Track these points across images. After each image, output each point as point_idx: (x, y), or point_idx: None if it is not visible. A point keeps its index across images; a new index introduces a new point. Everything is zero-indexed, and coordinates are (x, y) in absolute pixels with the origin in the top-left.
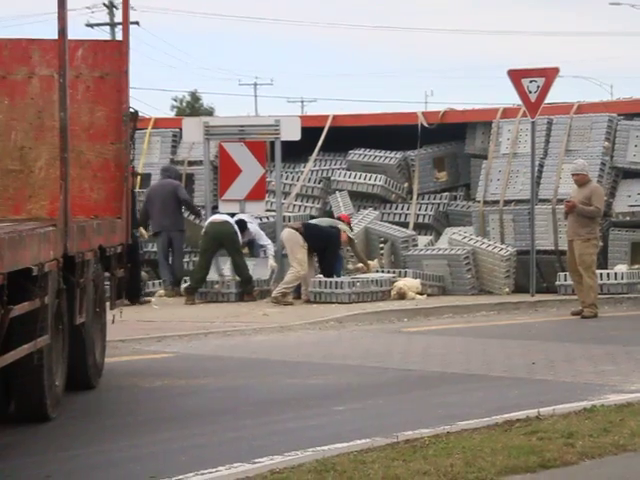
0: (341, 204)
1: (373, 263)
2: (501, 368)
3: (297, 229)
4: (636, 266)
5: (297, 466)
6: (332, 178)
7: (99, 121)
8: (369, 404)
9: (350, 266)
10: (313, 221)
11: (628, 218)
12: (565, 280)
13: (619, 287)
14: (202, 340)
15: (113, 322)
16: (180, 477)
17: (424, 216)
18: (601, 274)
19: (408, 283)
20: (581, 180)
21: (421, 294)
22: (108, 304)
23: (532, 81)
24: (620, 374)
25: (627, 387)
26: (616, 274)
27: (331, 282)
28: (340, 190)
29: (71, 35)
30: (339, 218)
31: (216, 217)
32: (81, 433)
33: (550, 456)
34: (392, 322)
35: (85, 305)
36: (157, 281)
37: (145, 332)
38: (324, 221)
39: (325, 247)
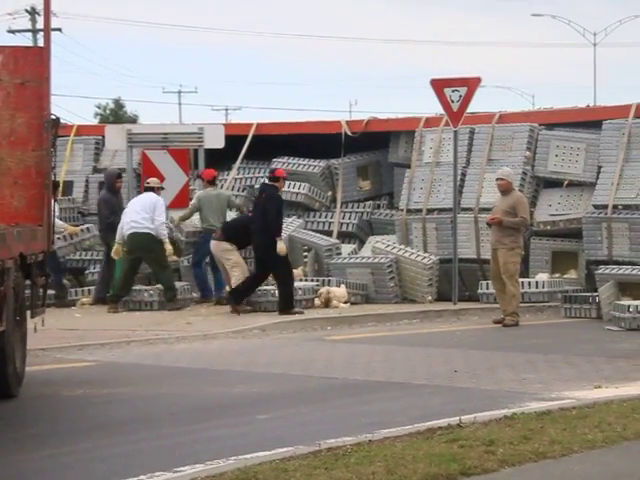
0: None
1: (297, 271)
2: (423, 376)
3: (218, 237)
4: (557, 275)
5: (219, 475)
6: (256, 186)
7: (20, 128)
8: (292, 412)
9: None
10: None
11: (549, 227)
12: (487, 288)
13: (540, 296)
14: (124, 348)
15: (35, 331)
16: None
17: (348, 224)
18: (523, 283)
19: (337, 292)
20: (505, 186)
21: (345, 302)
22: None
23: (454, 91)
24: (540, 382)
25: (547, 395)
26: (537, 283)
27: (255, 291)
28: None
29: None
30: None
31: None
32: (0, 442)
33: (471, 464)
34: (316, 330)
35: (5, 313)
36: (79, 289)
37: (66, 340)
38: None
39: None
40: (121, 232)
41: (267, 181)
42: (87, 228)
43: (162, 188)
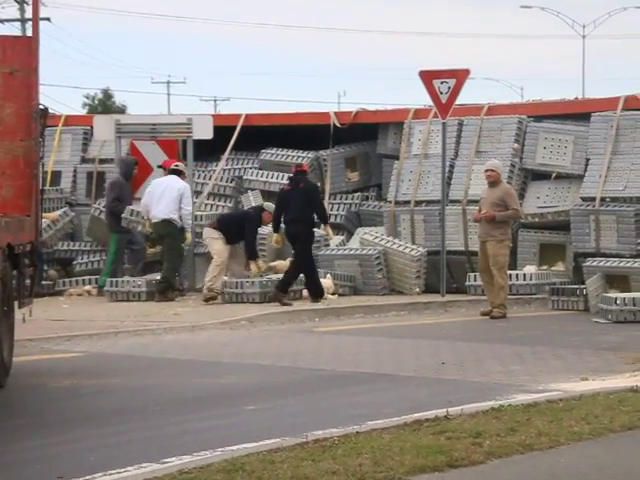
0: (253, 203)
1: (285, 263)
2: (411, 368)
3: (211, 225)
4: (544, 267)
5: (206, 466)
6: (244, 177)
7: (8, 118)
8: (280, 404)
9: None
10: None
11: (537, 219)
12: (475, 280)
13: (528, 288)
14: (112, 339)
15: (24, 321)
16: (88, 477)
17: (336, 216)
18: (510, 275)
19: (326, 284)
20: (494, 177)
21: (333, 294)
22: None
23: (443, 82)
24: (528, 374)
25: (534, 387)
26: (525, 275)
27: (242, 282)
28: (252, 189)
29: None
30: (302, 169)
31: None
32: None
33: (458, 455)
34: (303, 322)
35: None
36: (67, 280)
37: (54, 331)
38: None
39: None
40: (146, 210)
41: (294, 174)
42: (64, 212)
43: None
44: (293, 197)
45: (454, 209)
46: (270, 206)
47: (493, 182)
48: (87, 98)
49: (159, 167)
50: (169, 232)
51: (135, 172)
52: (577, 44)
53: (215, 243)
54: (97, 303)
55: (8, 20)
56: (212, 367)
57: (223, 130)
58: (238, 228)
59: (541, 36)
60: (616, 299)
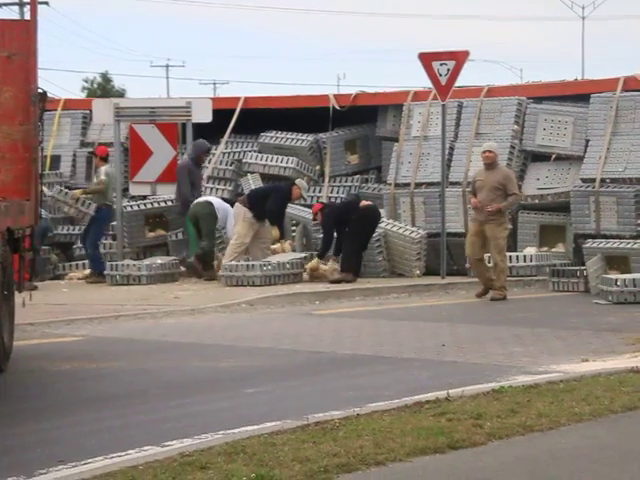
0: (253, 186)
1: (285, 245)
2: (411, 350)
3: (242, 200)
4: (545, 249)
5: (207, 449)
6: (244, 160)
7: (7, 102)
8: (280, 386)
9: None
10: None
11: (537, 201)
12: None
13: (528, 269)
14: (112, 323)
15: (24, 305)
16: (89, 461)
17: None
18: (510, 257)
19: (325, 267)
20: (491, 158)
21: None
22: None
23: (442, 64)
24: (528, 355)
25: (535, 368)
26: (525, 257)
27: (242, 265)
28: (252, 172)
29: None
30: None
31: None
32: None
33: (459, 437)
34: (304, 305)
35: None
36: (67, 264)
37: (54, 315)
38: None
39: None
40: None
41: None
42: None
43: None
44: None
45: (454, 191)
46: (302, 182)
47: (490, 164)
48: (86, 82)
49: (90, 153)
50: (209, 213)
51: (205, 158)
52: (577, 25)
53: (239, 224)
54: (97, 287)
55: (6, 4)
56: (213, 350)
57: (222, 113)
58: (266, 199)
59: (541, 18)
60: (616, 280)
